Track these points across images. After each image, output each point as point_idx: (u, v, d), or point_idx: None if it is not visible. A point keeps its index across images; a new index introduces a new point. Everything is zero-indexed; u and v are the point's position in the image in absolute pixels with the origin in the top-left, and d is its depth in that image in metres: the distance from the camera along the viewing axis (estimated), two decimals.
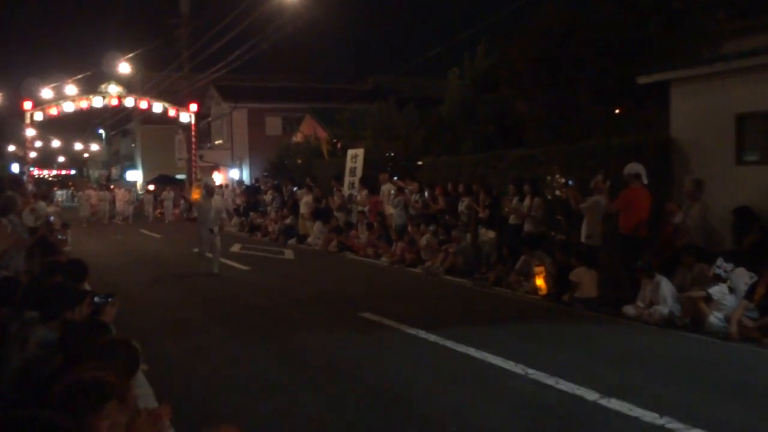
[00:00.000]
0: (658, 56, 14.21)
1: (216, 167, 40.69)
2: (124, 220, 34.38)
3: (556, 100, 16.65)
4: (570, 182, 11.78)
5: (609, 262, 10.98)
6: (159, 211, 35.90)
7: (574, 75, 16.01)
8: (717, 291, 8.53)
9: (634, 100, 15.02)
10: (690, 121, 11.53)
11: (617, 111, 16.05)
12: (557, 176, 12.36)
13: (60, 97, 32.86)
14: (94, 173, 78.70)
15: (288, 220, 21.69)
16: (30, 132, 34.01)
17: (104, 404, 2.63)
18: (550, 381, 6.44)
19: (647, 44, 15.00)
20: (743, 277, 8.76)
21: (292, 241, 20.44)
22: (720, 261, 8.74)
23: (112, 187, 45.14)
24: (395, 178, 18.33)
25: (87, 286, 6.48)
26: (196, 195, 10.49)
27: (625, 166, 10.62)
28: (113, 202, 36.24)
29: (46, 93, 33.75)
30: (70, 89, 33.63)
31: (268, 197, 24.21)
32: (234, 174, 40.07)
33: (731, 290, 8.59)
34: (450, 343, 7.95)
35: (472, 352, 7.55)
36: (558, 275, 11.04)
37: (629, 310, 9.37)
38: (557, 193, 12.24)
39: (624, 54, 15.18)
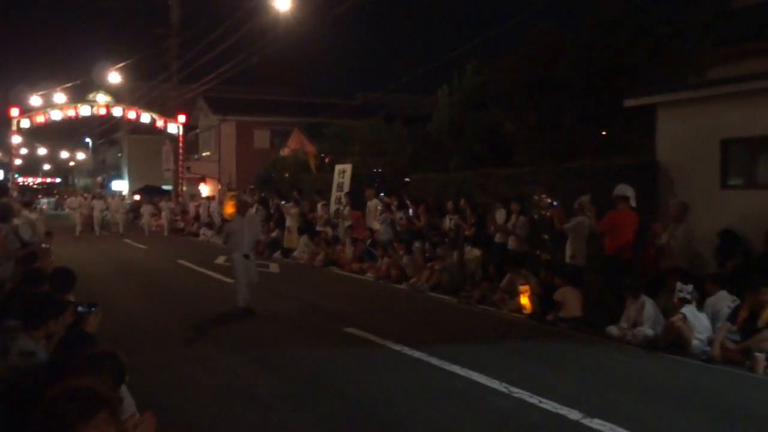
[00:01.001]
0: (644, 80, 14.36)
1: (203, 179, 40.59)
2: (115, 231, 31.41)
3: (543, 121, 16.78)
4: (554, 203, 11.85)
5: (593, 282, 11.03)
6: (157, 222, 33.18)
7: (561, 96, 16.15)
8: (688, 311, 8.60)
9: (620, 123, 15.16)
10: (676, 145, 11.65)
11: (603, 133, 16.19)
12: (543, 196, 12.44)
13: (48, 105, 32.79)
14: (80, 182, 78.34)
15: (274, 234, 21.65)
16: (16, 139, 33.87)
17: (95, 414, 2.61)
18: (533, 400, 6.45)
19: (634, 68, 15.17)
20: (725, 300, 8.85)
21: (277, 255, 20.39)
22: (679, 285, 8.86)
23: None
24: (381, 194, 18.35)
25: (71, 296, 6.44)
26: (229, 209, 9.11)
27: (612, 188, 10.68)
28: (106, 211, 33.19)
29: (35, 100, 33.70)
30: (59, 97, 33.56)
31: (253, 210, 24.15)
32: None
33: (699, 310, 8.71)
34: (434, 360, 7.95)
35: (456, 369, 7.55)
36: (543, 294, 11.08)
37: (613, 330, 9.41)
38: (543, 212, 12.31)
39: (610, 77, 15.34)
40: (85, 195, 36.71)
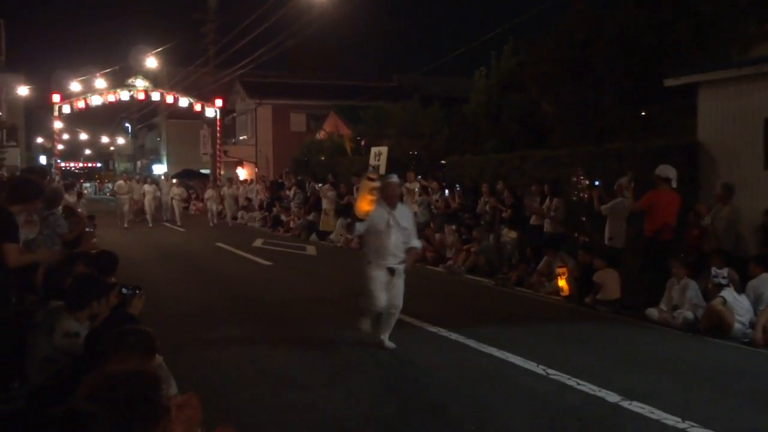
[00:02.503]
0: (686, 59, 14.09)
1: (240, 162, 40.91)
2: (170, 219, 28.28)
3: (581, 102, 16.58)
4: (596, 183, 11.72)
5: (632, 264, 10.91)
6: (197, 207, 31.79)
7: (600, 76, 15.94)
8: (728, 294, 8.47)
9: (660, 103, 14.91)
10: (718, 125, 11.43)
11: (643, 113, 15.94)
12: (581, 177, 12.31)
13: (88, 90, 33.27)
14: (120, 166, 79.53)
15: (310, 217, 21.78)
16: (58, 124, 34.47)
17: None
18: (571, 382, 6.43)
19: (675, 47, 14.89)
20: None
21: (313, 237, 20.51)
22: (714, 270, 8.72)
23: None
24: (419, 177, 18.33)
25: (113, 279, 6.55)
26: (365, 205, 6.44)
27: (652, 169, 10.51)
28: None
29: (75, 86, 34.20)
30: (99, 83, 34.04)
31: (291, 193, 24.32)
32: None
33: (740, 293, 8.58)
34: (471, 342, 7.95)
35: (493, 351, 7.55)
36: (581, 277, 10.99)
37: (652, 313, 9.31)
38: (581, 194, 12.19)
39: (650, 56, 15.07)
40: (135, 178, 32.83)
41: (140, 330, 3.75)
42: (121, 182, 28.29)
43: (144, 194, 27.23)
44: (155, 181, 30.97)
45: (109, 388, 2.55)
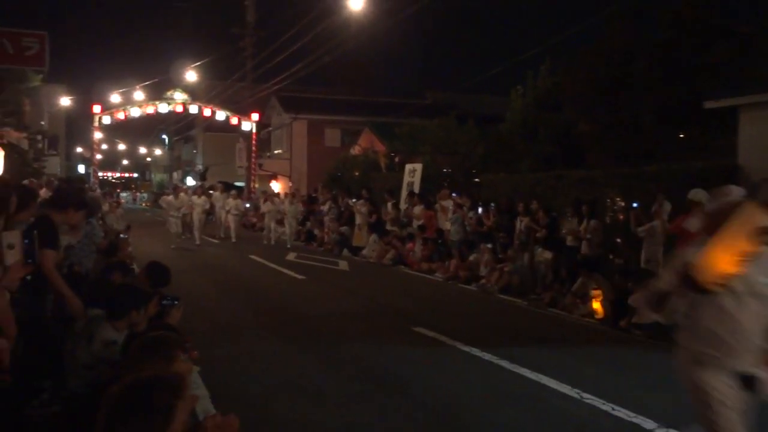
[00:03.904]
0: (725, 80, 13.95)
1: (274, 176, 41.21)
2: (223, 237, 24.33)
3: (618, 122, 16.48)
4: (634, 204, 11.61)
5: None
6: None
7: (638, 97, 15.84)
8: None
9: (699, 125, 14.77)
10: (759, 148, 11.28)
11: (681, 135, 15.79)
12: (617, 199, 12.21)
13: (127, 102, 33.84)
14: (156, 177, 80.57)
15: (343, 231, 21.84)
16: (98, 135, 35.05)
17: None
18: (606, 407, 6.35)
19: (714, 68, 14.75)
20: None
21: (346, 252, 20.56)
22: None
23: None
24: (453, 194, 18.32)
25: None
26: (728, 260, 3.85)
27: (688, 191, 10.39)
28: (210, 211, 25.27)
29: (115, 98, 34.80)
30: (138, 95, 34.61)
31: (324, 208, 24.42)
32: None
33: None
34: (504, 363, 7.89)
35: (526, 372, 7.48)
36: (616, 299, 10.86)
37: None
38: (616, 215, 12.08)
39: (689, 77, 14.95)
40: (186, 190, 26.44)
41: (161, 339, 3.77)
42: (170, 198, 23.44)
43: (192, 206, 22.84)
44: (205, 192, 25.53)
45: (122, 396, 2.58)
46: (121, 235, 14.28)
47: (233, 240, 23.48)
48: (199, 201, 23.31)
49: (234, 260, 19.15)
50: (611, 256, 12.34)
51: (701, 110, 12.66)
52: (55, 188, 6.81)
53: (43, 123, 35.22)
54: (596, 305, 10.99)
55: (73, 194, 6.08)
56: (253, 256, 19.40)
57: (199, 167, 40.17)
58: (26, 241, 4.06)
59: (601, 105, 16.83)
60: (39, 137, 27.65)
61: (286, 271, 16.29)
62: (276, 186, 40.55)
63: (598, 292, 11.07)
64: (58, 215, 5.57)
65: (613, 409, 6.29)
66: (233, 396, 6.37)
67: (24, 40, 16.12)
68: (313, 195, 28.51)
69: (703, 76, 14.85)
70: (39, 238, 4.40)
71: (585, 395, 6.67)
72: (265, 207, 25.22)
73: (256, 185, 36.63)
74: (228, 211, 24.35)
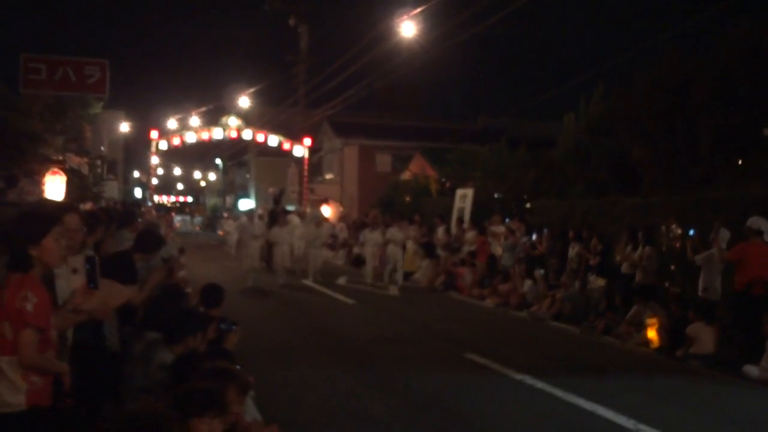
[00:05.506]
0: None
1: (325, 200, 41.55)
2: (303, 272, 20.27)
3: (674, 147, 16.21)
4: (691, 232, 11.39)
5: (728, 318, 10.49)
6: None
7: (695, 123, 15.57)
8: None
9: (758, 152, 14.45)
10: None
11: (740, 162, 15.45)
12: (673, 226, 11.99)
13: (183, 127, 34.61)
14: (210, 201, 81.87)
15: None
16: (154, 160, 35.84)
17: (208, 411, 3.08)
18: None
19: None
20: None
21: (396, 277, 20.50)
22: None
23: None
24: (506, 220, 18.23)
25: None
26: None
27: (747, 220, 10.18)
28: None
29: (171, 123, 35.64)
30: (194, 120, 35.41)
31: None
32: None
33: None
34: (558, 392, 7.79)
35: (581, 402, 7.37)
36: (672, 328, 10.64)
37: (751, 371, 8.88)
38: (672, 243, 11.86)
39: (748, 104, 14.66)
40: (260, 214, 22.64)
41: (225, 371, 3.88)
42: (231, 221, 18.96)
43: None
44: (285, 221, 20.64)
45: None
46: (179, 258, 14.56)
47: (318, 278, 19.47)
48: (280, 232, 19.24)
49: (287, 286, 19.24)
50: (667, 285, 12.09)
51: (760, 137, 12.39)
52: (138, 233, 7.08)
53: (102, 148, 36.23)
54: (652, 334, 10.78)
55: (151, 236, 6.49)
56: (304, 281, 19.48)
57: (272, 189, 39.65)
58: (88, 266, 4.16)
59: (657, 130, 16.57)
60: (98, 162, 28.32)
61: (336, 295, 16.36)
62: (326, 210, 40.86)
63: (653, 320, 10.86)
64: (137, 255, 6.07)
65: None
66: (286, 421, 6.40)
67: (86, 68, 16.60)
68: (364, 220, 28.65)
69: (763, 103, 14.54)
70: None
71: (641, 426, 6.55)
72: (362, 236, 21.23)
73: (308, 209, 36.99)
74: (312, 244, 20.36)
